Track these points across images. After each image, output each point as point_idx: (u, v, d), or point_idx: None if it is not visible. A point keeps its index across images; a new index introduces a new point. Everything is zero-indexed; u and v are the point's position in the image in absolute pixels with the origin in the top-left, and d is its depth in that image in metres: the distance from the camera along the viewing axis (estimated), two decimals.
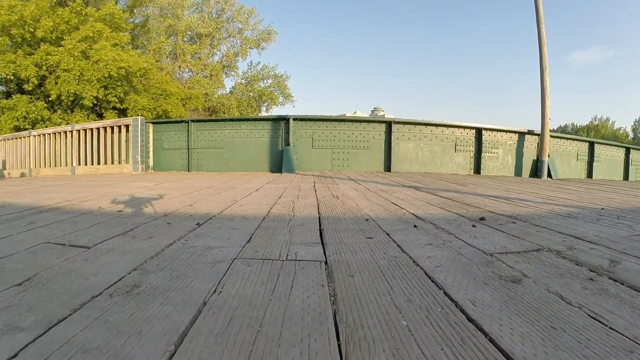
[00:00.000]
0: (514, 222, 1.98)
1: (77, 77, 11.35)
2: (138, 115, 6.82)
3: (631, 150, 9.71)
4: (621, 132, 70.43)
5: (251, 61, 27.54)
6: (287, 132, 6.48)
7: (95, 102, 12.04)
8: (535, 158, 8.03)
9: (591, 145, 8.91)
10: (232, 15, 26.45)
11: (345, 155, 6.81)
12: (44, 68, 11.47)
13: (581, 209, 2.76)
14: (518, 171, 7.95)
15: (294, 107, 30.43)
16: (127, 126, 6.49)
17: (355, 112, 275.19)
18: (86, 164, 6.96)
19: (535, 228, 1.82)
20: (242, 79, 28.41)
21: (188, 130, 6.64)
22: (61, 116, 11.60)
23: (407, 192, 3.65)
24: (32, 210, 2.48)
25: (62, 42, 11.83)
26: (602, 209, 2.76)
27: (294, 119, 6.44)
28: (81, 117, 11.85)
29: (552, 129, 8.32)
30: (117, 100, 12.34)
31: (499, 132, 7.69)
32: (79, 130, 6.86)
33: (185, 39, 24.94)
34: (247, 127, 6.54)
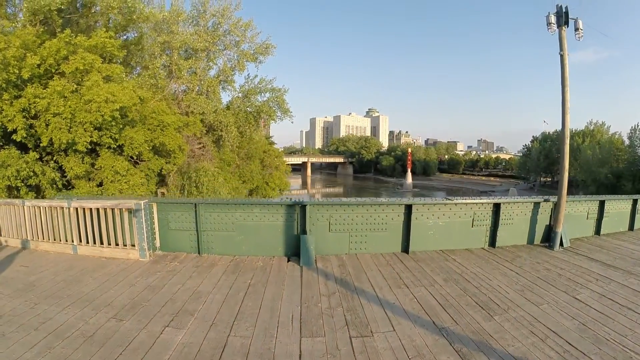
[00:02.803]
0: None
1: (69, 120, 10.96)
2: (138, 199, 6.47)
3: (638, 201, 9.87)
4: (617, 136, 71.45)
5: (248, 74, 27.14)
6: (303, 218, 6.29)
7: (90, 146, 11.65)
8: (548, 223, 8.11)
9: (601, 203, 9.00)
10: (229, 28, 26.10)
11: (362, 237, 6.64)
12: (33, 112, 11.08)
13: None
14: (531, 238, 8.00)
15: (292, 122, 30.21)
16: (129, 209, 6.19)
17: (350, 114, 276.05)
18: (88, 243, 6.65)
19: None
20: (239, 92, 28.14)
21: (196, 212, 6.37)
22: (54, 167, 11.22)
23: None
24: None
25: (50, 84, 11.43)
26: None
27: (311, 205, 6.23)
28: (75, 162, 11.49)
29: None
30: (112, 141, 11.98)
31: (515, 204, 7.68)
32: (76, 208, 6.53)
33: (181, 52, 24.50)
34: (260, 210, 6.31)
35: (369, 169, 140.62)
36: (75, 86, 11.65)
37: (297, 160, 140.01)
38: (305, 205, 6.21)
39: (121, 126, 12.39)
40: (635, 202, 9.78)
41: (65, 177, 12.19)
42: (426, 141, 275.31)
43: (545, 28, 7.94)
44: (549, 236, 7.93)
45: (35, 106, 11.06)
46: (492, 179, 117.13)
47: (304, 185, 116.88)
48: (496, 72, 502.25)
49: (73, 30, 18.67)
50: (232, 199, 6.50)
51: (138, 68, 23.88)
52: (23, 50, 11.41)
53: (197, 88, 25.30)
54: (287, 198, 6.46)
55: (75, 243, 6.71)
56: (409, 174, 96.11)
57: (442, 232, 7.04)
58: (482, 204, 7.24)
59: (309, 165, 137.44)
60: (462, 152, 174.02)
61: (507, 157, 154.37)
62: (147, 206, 6.23)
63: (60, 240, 6.92)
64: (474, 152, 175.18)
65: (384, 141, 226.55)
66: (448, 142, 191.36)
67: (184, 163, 18.30)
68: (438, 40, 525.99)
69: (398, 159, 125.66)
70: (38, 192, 11.51)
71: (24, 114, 11.09)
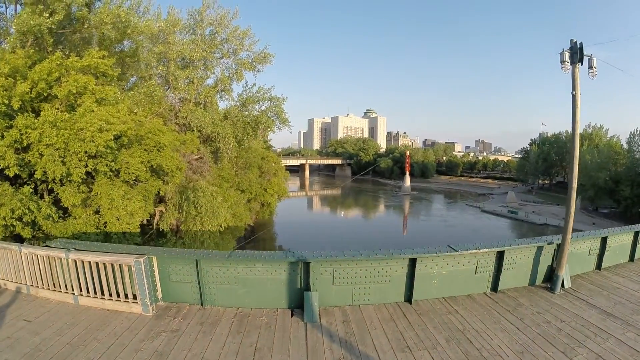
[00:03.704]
0: None
1: (62, 150, 10.82)
2: (137, 254, 6.43)
3: None
4: (615, 140, 71.72)
5: (246, 82, 27.05)
6: (307, 272, 6.25)
7: (85, 176, 11.53)
8: (550, 264, 8.10)
9: (604, 239, 8.97)
10: (227, 37, 25.97)
11: (365, 289, 6.61)
12: (25, 143, 10.95)
13: None
14: (532, 280, 7.99)
15: (290, 132, 30.13)
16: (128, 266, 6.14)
17: (348, 115, 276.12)
18: (88, 293, 6.59)
19: None
20: (237, 101, 28.04)
21: (197, 266, 6.32)
22: (49, 201, 11.11)
23: None
24: None
25: (42, 113, 11.27)
26: None
27: (315, 261, 6.20)
28: (71, 192, 11.40)
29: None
30: (108, 169, 11.87)
31: (519, 249, 7.66)
32: (75, 260, 6.47)
33: (178, 61, 24.33)
34: (262, 265, 6.27)
35: (367, 170, 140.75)
36: (67, 115, 11.46)
37: (295, 162, 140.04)
38: (309, 262, 6.18)
39: (117, 151, 12.28)
40: (637, 233, 9.75)
41: (62, 206, 12.06)
42: (424, 142, 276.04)
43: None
44: (551, 276, 7.91)
45: (27, 137, 10.91)
46: (490, 181, 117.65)
47: (302, 187, 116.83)
48: (495, 73, 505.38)
49: (66, 47, 18.59)
50: (233, 252, 6.39)
51: (134, 77, 23.77)
52: (12, 78, 11.25)
53: (194, 98, 25.20)
54: (290, 252, 6.37)
55: (76, 293, 6.65)
56: (407, 177, 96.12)
57: (445, 280, 7.02)
58: (487, 252, 7.20)
59: (307, 167, 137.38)
60: (461, 154, 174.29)
61: (505, 159, 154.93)
62: (147, 260, 6.18)
63: (61, 289, 6.84)
64: (472, 154, 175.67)
65: (382, 142, 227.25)
66: (446, 143, 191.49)
67: (182, 179, 18.22)
68: (437, 42, 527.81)
69: (396, 161, 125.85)
70: (34, 226, 11.40)
71: (15, 145, 10.94)
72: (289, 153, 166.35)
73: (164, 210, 16.82)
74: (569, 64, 7.60)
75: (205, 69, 26.10)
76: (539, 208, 67.66)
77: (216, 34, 26.02)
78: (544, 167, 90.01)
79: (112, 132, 11.32)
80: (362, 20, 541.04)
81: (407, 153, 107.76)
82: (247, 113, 27.23)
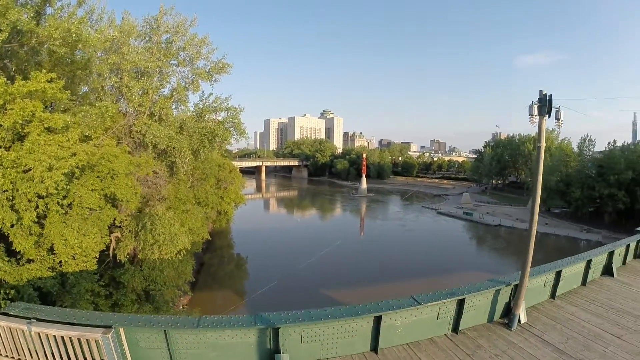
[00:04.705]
0: None
1: (10, 192, 10.27)
2: (104, 329, 6.41)
3: (592, 260, 10.87)
4: (566, 142, 76.86)
5: (203, 91, 26.46)
6: (276, 336, 6.51)
7: (36, 219, 11.01)
8: (508, 301, 8.77)
9: (558, 273, 9.80)
10: (183, 45, 25.34)
11: (333, 344, 6.98)
12: None
13: None
14: (490, 317, 8.65)
15: (247, 144, 30.16)
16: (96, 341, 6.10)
17: (305, 115, 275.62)
18: None
19: None
20: (193, 112, 27.43)
21: (166, 334, 6.37)
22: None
23: None
24: None
25: None
26: None
27: (284, 327, 6.46)
28: (22, 236, 10.86)
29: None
30: (60, 207, 11.40)
31: (480, 294, 8.28)
32: (38, 333, 6.31)
33: (132, 70, 23.36)
34: (232, 331, 6.44)
35: (323, 172, 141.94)
36: (12, 154, 10.87)
37: (252, 163, 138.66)
38: (278, 328, 6.42)
39: (68, 186, 11.78)
40: (589, 262, 10.75)
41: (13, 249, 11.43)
42: (380, 142, 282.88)
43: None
44: (508, 312, 8.62)
45: None
46: (445, 181, 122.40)
47: (259, 189, 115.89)
48: (450, 73, 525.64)
49: (12, 62, 17.47)
50: (202, 318, 6.50)
51: (85, 88, 22.69)
52: None
53: (149, 109, 24.34)
54: (259, 317, 6.56)
55: None
56: (364, 179, 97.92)
57: (409, 328, 7.54)
58: (448, 301, 7.79)
59: (263, 168, 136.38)
60: (416, 154, 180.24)
61: (460, 159, 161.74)
62: (115, 334, 6.14)
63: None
64: (428, 154, 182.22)
65: (339, 142, 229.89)
66: (402, 143, 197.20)
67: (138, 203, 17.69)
68: (393, 42, 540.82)
69: (352, 163, 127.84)
70: None
71: None
72: (245, 154, 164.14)
73: (119, 236, 16.29)
74: (537, 115, 8.05)
75: (161, 79, 25.28)
76: (493, 209, 71.65)
77: (173, 42, 25.31)
78: (497, 169, 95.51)
79: (63, 169, 10.87)
80: (319, 20, 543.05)
81: (364, 155, 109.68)
82: (203, 124, 26.66)
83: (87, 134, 15.68)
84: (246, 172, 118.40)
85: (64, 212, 11.98)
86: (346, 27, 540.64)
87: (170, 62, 25.36)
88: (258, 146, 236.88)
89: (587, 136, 63.57)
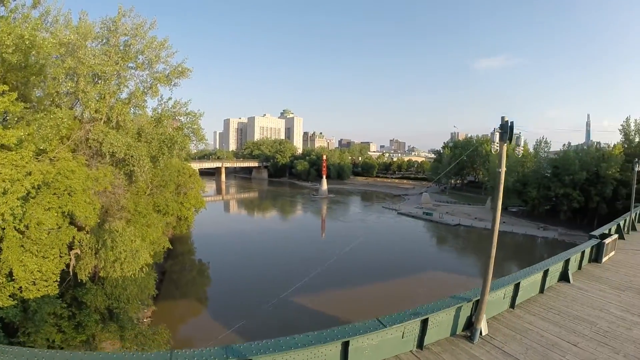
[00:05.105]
0: None
1: None
2: None
3: (549, 269, 11.65)
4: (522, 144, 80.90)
5: (161, 96, 25.70)
6: None
7: None
8: (469, 315, 9.30)
9: (517, 285, 10.52)
10: (142, 48, 24.55)
11: None
12: None
13: None
14: (453, 330, 9.17)
15: (206, 145, 29.66)
16: None
17: (264, 115, 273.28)
18: None
19: None
20: (152, 117, 26.66)
21: None
22: None
23: None
24: None
25: None
26: None
27: (256, 357, 6.64)
28: None
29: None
30: (16, 232, 10.90)
31: (443, 312, 8.74)
32: None
33: (89, 74, 22.35)
34: None
35: (284, 173, 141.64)
36: None
37: (211, 165, 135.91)
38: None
39: (24, 209, 11.29)
40: (546, 272, 11.53)
41: None
42: (340, 142, 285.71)
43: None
44: (470, 325, 9.15)
45: None
46: (405, 181, 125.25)
47: (219, 191, 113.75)
48: (408, 74, 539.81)
49: None
50: (174, 353, 6.55)
51: (39, 93, 21.51)
52: None
53: (106, 115, 23.40)
54: (230, 349, 6.66)
55: None
56: (324, 181, 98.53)
57: (375, 348, 7.90)
58: (412, 322, 8.22)
59: (223, 170, 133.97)
60: (376, 154, 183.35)
61: (419, 159, 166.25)
62: None
63: None
64: (387, 154, 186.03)
65: (299, 143, 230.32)
66: (361, 143, 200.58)
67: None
68: (352, 41, 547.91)
69: (313, 164, 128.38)
70: None
71: None
72: (205, 155, 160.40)
73: (79, 253, 15.67)
74: (498, 142, 8.54)
75: (119, 83, 24.38)
76: (452, 208, 73.92)
77: (131, 45, 24.46)
78: (455, 169, 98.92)
79: (18, 193, 10.42)
80: (276, 20, 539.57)
81: (324, 157, 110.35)
82: (162, 130, 25.96)
83: (41, 147, 14.98)
84: (206, 173, 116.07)
85: (20, 235, 11.44)
86: (305, 27, 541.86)
87: (128, 66, 24.48)
88: (217, 146, 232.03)
89: (543, 138, 67.99)
